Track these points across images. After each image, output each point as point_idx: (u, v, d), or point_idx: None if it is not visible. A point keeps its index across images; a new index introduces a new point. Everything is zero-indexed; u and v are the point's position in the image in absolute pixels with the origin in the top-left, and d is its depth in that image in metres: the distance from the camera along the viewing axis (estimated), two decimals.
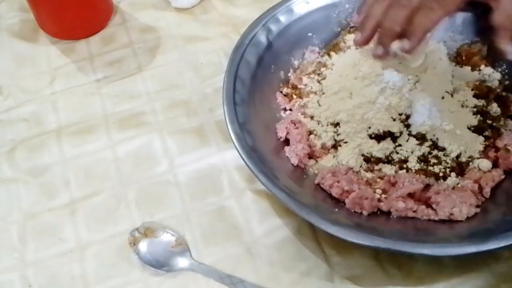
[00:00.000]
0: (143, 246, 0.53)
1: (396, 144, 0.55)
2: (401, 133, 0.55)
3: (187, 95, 0.65)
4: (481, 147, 0.56)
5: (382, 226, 0.51)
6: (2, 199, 0.58)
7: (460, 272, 0.51)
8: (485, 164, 0.55)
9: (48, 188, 0.58)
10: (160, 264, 0.52)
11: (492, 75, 0.60)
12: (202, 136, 0.61)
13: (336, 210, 0.52)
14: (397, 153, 0.55)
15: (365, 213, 0.52)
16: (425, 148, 0.54)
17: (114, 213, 0.56)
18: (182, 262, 0.52)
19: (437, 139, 0.55)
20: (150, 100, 0.65)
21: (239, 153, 0.52)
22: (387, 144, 0.55)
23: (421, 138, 0.55)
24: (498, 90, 0.59)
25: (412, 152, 0.55)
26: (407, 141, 0.55)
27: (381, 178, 0.54)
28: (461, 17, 0.62)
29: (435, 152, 0.55)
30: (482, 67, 0.60)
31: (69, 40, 0.71)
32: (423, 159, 0.54)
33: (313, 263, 0.52)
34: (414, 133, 0.55)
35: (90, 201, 0.57)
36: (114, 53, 0.70)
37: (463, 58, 0.61)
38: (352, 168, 0.55)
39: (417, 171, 0.54)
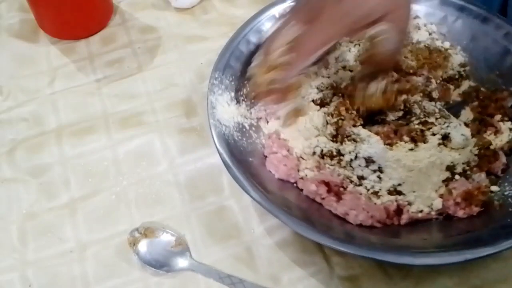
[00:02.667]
0: (142, 246, 0.53)
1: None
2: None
3: (187, 95, 0.65)
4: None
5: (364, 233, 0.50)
6: (2, 199, 0.58)
7: (460, 272, 0.51)
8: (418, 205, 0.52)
9: (48, 188, 0.58)
10: (160, 264, 0.52)
11: None
12: (202, 136, 0.61)
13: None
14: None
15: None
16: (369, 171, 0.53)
17: (114, 213, 0.56)
18: (182, 262, 0.52)
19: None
20: (150, 100, 0.65)
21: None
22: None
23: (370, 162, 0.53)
24: None
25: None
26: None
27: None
28: None
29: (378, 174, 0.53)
30: None
31: (69, 40, 0.71)
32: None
33: (313, 263, 0.52)
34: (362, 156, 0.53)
35: (90, 201, 0.57)
36: (114, 53, 0.70)
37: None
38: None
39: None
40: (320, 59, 0.59)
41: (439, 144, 0.54)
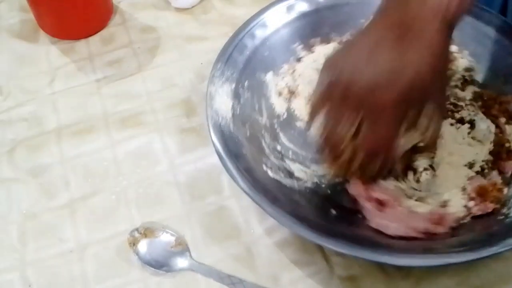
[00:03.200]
0: (142, 246, 0.53)
1: None
2: None
3: (187, 95, 0.65)
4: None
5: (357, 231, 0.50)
6: (2, 199, 0.58)
7: (460, 272, 0.51)
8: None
9: (48, 188, 0.58)
10: (159, 264, 0.52)
11: None
12: (202, 136, 0.61)
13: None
14: None
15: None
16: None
17: (114, 213, 0.56)
18: (181, 262, 0.52)
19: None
20: (150, 100, 0.65)
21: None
22: None
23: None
24: None
25: None
26: None
27: None
28: None
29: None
30: None
31: (69, 40, 0.71)
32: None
33: (313, 263, 0.52)
34: None
35: (90, 201, 0.57)
36: (114, 53, 0.70)
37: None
38: None
39: None
40: None
41: (468, 133, 0.54)
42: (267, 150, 0.57)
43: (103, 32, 0.73)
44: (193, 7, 0.75)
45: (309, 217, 0.50)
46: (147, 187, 0.58)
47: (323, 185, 0.55)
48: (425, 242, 0.49)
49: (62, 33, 0.71)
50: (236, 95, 0.58)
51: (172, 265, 0.52)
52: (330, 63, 0.49)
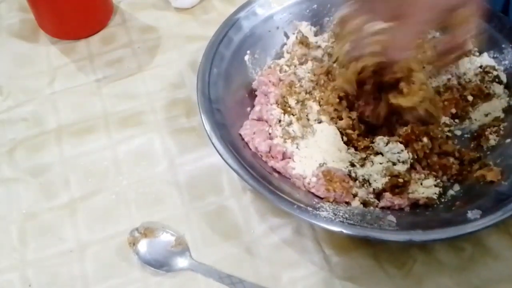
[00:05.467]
0: (142, 246, 0.53)
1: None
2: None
3: (187, 95, 0.65)
4: None
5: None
6: (2, 199, 0.58)
7: (460, 272, 0.51)
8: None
9: (48, 188, 0.58)
10: (159, 264, 0.52)
11: None
12: (202, 136, 0.61)
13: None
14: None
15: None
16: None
17: (114, 213, 0.56)
18: (181, 262, 0.52)
19: None
20: (150, 100, 0.65)
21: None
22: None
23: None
24: None
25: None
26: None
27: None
28: None
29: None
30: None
31: (69, 40, 0.71)
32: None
33: (313, 263, 0.52)
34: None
35: (90, 201, 0.57)
36: (114, 53, 0.70)
37: None
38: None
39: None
40: None
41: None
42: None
43: (103, 32, 0.73)
44: (193, 7, 0.75)
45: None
46: (147, 187, 0.58)
47: None
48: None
49: (62, 33, 0.72)
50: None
51: (172, 265, 0.52)
52: None
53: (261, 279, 0.51)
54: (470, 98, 0.59)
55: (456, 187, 0.54)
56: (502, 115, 0.58)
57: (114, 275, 0.52)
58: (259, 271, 0.52)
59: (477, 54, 0.62)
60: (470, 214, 0.49)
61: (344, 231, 0.48)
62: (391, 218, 0.51)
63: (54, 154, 0.61)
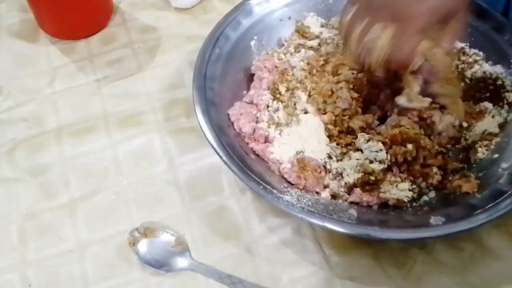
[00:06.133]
0: (142, 246, 0.53)
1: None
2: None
3: (187, 95, 0.65)
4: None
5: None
6: (2, 199, 0.58)
7: (460, 272, 0.51)
8: None
9: (48, 188, 0.58)
10: (159, 264, 0.52)
11: None
12: (202, 136, 0.61)
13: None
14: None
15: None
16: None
17: (114, 213, 0.56)
18: (181, 262, 0.52)
19: None
20: (150, 100, 0.65)
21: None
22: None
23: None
24: None
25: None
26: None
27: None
28: None
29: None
30: None
31: (69, 40, 0.71)
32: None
33: (313, 263, 0.52)
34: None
35: (90, 201, 0.57)
36: (114, 53, 0.70)
37: None
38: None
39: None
40: None
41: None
42: None
43: (103, 32, 0.73)
44: (193, 7, 0.75)
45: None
46: (147, 187, 0.58)
47: None
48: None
49: (62, 33, 0.72)
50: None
51: (172, 265, 0.52)
52: None
53: (261, 279, 0.51)
54: (464, 124, 0.58)
55: (432, 193, 0.54)
56: (496, 131, 0.57)
57: (114, 275, 0.52)
58: (259, 271, 0.52)
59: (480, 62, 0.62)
60: (432, 220, 0.49)
61: (300, 215, 0.49)
62: (353, 212, 0.51)
63: (54, 154, 0.61)
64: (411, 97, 0.54)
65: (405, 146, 0.54)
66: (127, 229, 0.54)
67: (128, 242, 0.53)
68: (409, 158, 0.54)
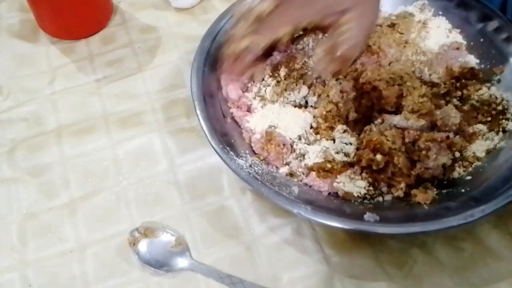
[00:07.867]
0: (142, 246, 0.53)
1: None
2: None
3: (187, 95, 0.65)
4: None
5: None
6: (2, 199, 0.58)
7: (460, 272, 0.51)
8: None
9: (48, 188, 0.58)
10: (159, 264, 0.52)
11: None
12: (202, 136, 0.61)
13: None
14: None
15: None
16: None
17: (114, 213, 0.56)
18: (181, 262, 0.52)
19: None
20: (150, 100, 0.65)
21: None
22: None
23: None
24: None
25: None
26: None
27: None
28: None
29: None
30: None
31: (69, 40, 0.71)
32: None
33: (313, 263, 0.52)
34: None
35: (90, 201, 0.57)
36: (114, 53, 0.70)
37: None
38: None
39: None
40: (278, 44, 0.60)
41: None
42: None
43: (103, 32, 0.73)
44: (193, 7, 0.75)
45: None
46: (147, 187, 0.58)
47: None
48: None
49: (62, 33, 0.72)
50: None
51: (172, 265, 0.52)
52: None
53: (261, 279, 0.51)
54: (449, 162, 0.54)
55: (388, 197, 0.53)
56: (482, 155, 0.55)
57: (114, 275, 0.52)
58: (259, 271, 0.52)
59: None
60: (366, 216, 0.49)
61: (240, 176, 0.51)
62: (295, 189, 0.53)
63: (54, 154, 0.61)
64: (406, 116, 0.54)
65: (374, 155, 0.52)
66: (127, 229, 0.54)
67: (128, 242, 0.53)
68: (374, 167, 0.52)
